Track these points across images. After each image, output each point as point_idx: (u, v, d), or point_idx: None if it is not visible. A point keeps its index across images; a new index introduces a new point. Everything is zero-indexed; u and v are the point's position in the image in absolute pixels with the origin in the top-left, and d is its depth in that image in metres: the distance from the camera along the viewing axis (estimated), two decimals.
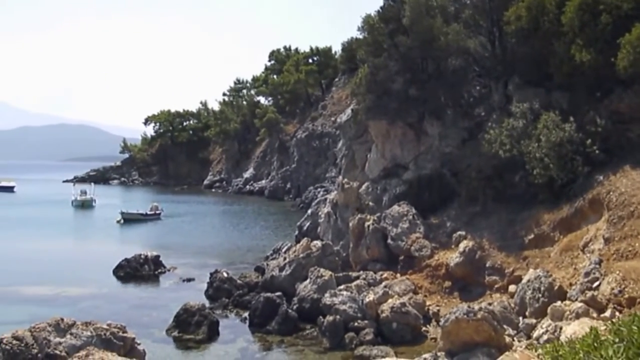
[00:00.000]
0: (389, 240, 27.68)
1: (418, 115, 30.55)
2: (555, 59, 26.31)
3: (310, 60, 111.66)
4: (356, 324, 22.48)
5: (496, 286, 23.36)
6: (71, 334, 17.78)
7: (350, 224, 29.74)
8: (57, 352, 17.00)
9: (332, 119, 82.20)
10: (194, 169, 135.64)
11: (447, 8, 32.06)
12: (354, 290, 24.19)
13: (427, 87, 30.39)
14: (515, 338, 19.34)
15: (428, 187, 29.31)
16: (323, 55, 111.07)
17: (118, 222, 63.15)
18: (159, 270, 36.04)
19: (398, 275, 26.23)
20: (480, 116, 30.30)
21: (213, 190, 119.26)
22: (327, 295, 23.90)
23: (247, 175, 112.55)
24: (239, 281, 30.27)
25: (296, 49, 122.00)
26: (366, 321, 22.54)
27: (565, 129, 23.60)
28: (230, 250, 45.21)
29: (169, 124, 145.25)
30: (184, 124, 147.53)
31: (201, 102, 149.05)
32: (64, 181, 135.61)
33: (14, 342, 16.83)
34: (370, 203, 31.00)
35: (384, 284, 24.85)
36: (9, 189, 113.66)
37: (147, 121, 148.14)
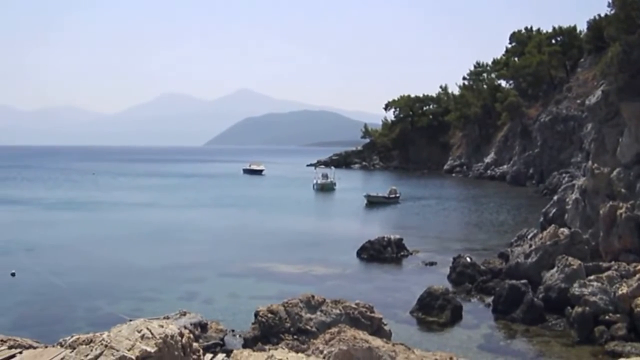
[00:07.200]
0: None
1: None
2: None
3: (553, 41, 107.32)
4: (607, 317, 21.29)
5: None
6: (321, 310, 18.59)
7: (601, 212, 28.31)
8: (308, 327, 17.91)
9: (578, 101, 78.83)
10: (433, 154, 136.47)
11: None
12: (604, 281, 22.96)
13: None
14: None
15: None
16: (567, 35, 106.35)
17: (366, 204, 65.46)
18: (402, 253, 36.58)
19: None
20: None
21: (453, 174, 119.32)
22: (575, 285, 22.89)
23: (488, 160, 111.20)
24: (482, 267, 30.00)
25: (538, 29, 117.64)
26: (618, 315, 21.30)
27: None
28: (471, 236, 44.91)
29: (409, 109, 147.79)
30: (424, 108, 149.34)
31: (441, 87, 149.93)
32: (307, 165, 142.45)
33: (269, 315, 18.12)
34: (623, 190, 29.25)
35: (638, 276, 23.29)
36: (259, 172, 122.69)
37: (387, 106, 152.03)
